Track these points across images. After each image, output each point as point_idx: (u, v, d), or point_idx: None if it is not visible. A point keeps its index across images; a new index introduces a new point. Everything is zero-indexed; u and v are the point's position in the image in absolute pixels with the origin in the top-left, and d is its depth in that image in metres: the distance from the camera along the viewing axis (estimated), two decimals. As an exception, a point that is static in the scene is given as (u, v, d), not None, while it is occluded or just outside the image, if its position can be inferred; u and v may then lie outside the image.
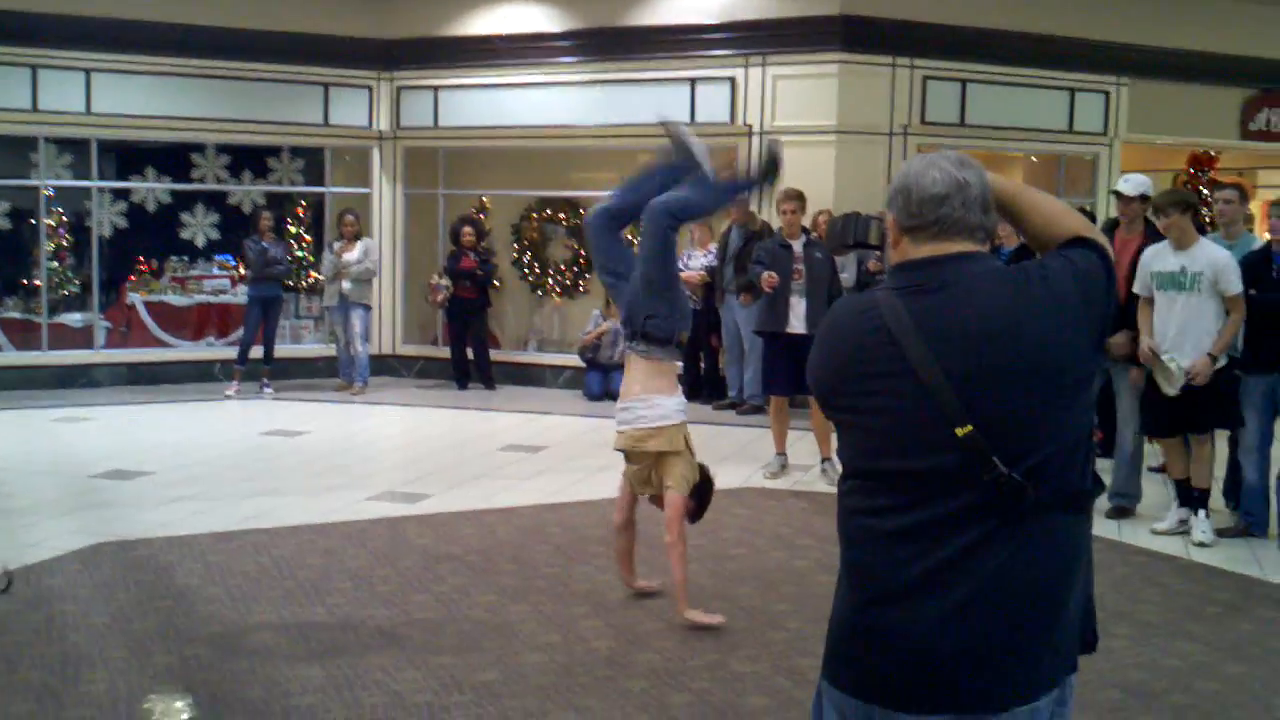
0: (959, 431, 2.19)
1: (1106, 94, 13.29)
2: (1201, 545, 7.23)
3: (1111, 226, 8.33)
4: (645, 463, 5.77)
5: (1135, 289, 7.53)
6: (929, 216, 2.33)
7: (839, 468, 8.70)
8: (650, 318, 5.69)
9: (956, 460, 2.21)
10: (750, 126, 12.41)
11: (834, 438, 8.94)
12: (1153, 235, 7.77)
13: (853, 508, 2.37)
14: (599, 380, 12.78)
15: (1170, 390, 7.16)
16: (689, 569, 5.73)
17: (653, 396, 5.70)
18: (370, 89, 14.11)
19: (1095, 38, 12.94)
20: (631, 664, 5.19)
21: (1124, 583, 6.52)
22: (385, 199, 14.34)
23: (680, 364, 5.91)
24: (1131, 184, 8.05)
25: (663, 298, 5.71)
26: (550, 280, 14.36)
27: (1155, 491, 8.24)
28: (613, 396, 12.62)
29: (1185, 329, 7.18)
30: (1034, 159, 14.54)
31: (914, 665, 2.25)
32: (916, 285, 2.31)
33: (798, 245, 9.08)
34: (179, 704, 4.62)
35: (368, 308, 13.15)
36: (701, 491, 5.82)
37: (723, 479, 8.86)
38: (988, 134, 13.01)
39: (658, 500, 5.82)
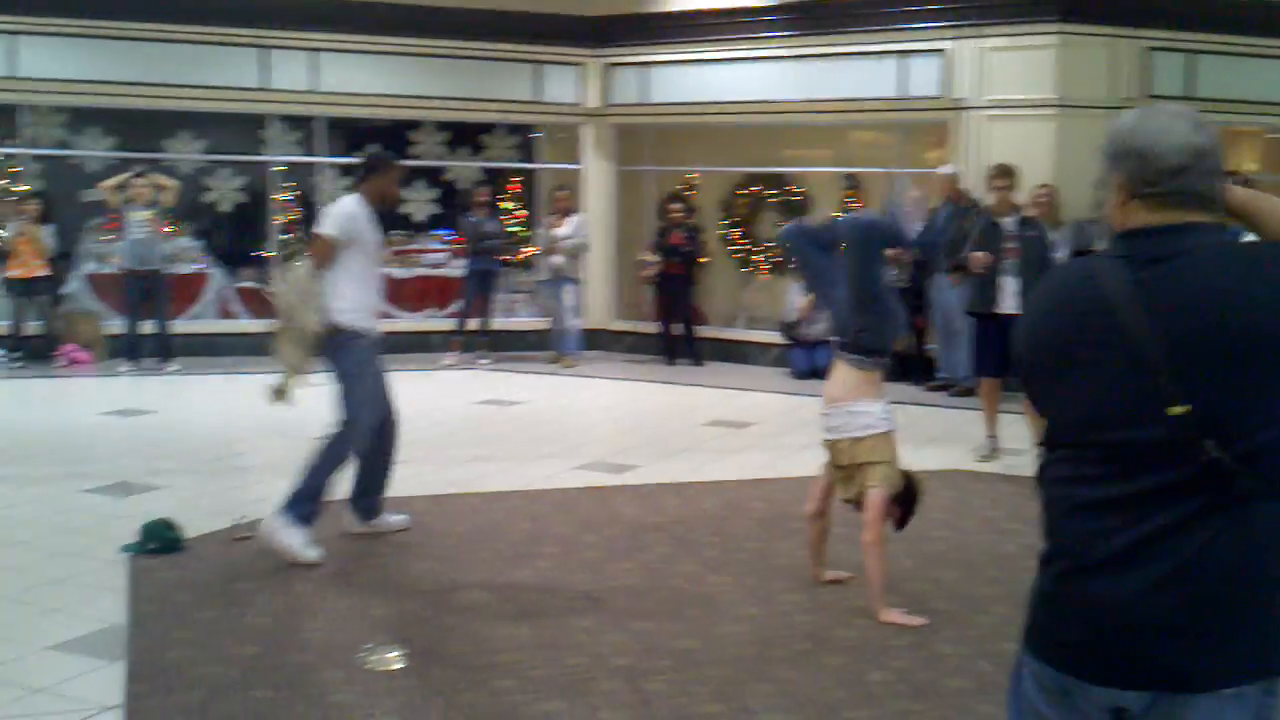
0: (1172, 410, 2.11)
1: (1357, 62, 12.52)
2: None
3: None
4: (849, 469, 5.68)
5: None
6: (1165, 186, 2.23)
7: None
8: (862, 331, 5.61)
9: (1167, 437, 2.13)
10: (961, 101, 12.14)
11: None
12: None
13: (1055, 477, 2.31)
14: (804, 357, 12.73)
15: None
16: (887, 567, 5.55)
17: (858, 403, 5.59)
18: (580, 66, 14.33)
19: (1337, 2, 12.21)
20: (831, 639, 5.19)
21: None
22: (595, 175, 14.57)
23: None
24: None
25: (873, 309, 5.61)
26: (758, 256, 14.36)
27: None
28: (818, 374, 12.61)
29: None
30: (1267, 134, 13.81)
31: (1111, 637, 2.19)
32: (1143, 254, 2.22)
33: (1010, 222, 8.85)
34: (392, 653, 4.89)
35: (578, 282, 13.41)
36: (907, 498, 5.65)
37: (930, 460, 8.78)
38: (1219, 107, 12.32)
39: (858, 504, 5.68)
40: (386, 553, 6.31)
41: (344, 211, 6.35)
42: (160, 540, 6.15)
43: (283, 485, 7.57)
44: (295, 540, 6.03)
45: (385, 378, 6.59)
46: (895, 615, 5.43)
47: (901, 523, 5.71)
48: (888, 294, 5.82)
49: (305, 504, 6.13)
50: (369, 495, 6.59)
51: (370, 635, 5.09)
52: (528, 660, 4.84)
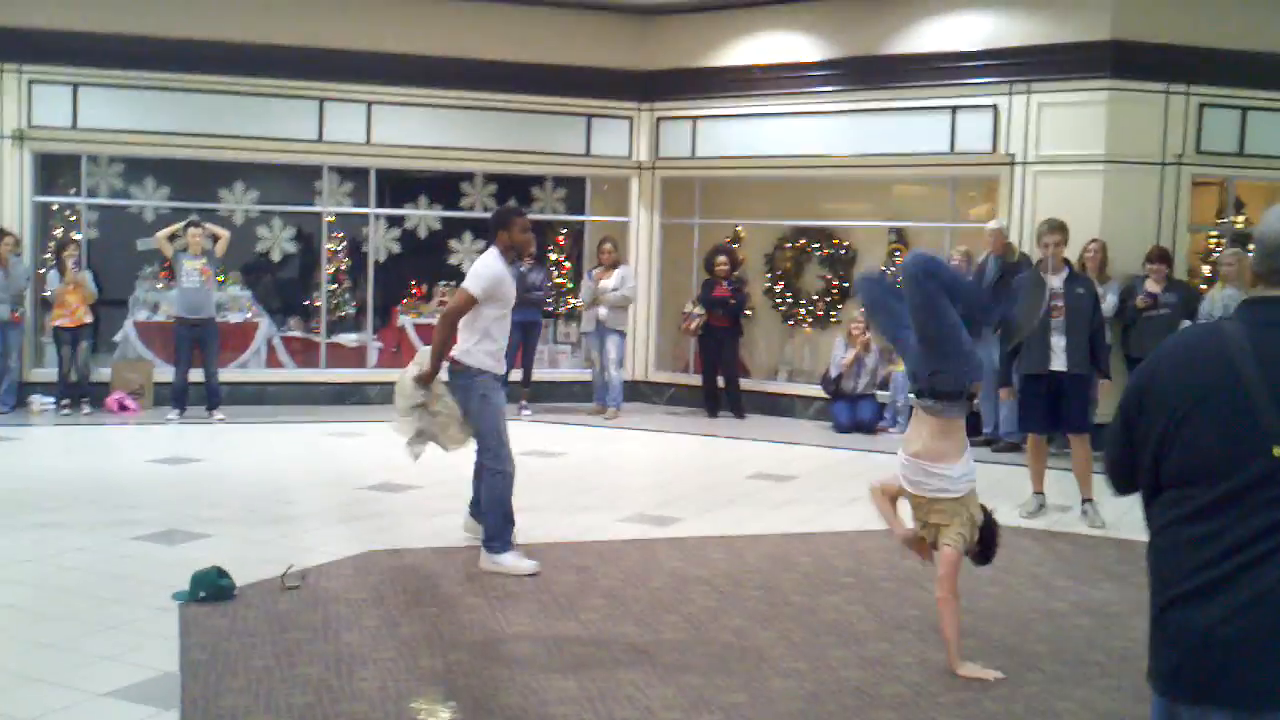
0: (1277, 451, 2.47)
1: (1402, 120, 12.44)
2: None
3: None
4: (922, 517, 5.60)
5: None
6: (1278, 264, 2.64)
7: (1101, 510, 8.41)
8: (936, 373, 5.45)
9: (1270, 475, 2.49)
10: (1013, 156, 12.15)
11: (1095, 479, 8.68)
12: None
13: (1163, 516, 2.66)
14: (846, 411, 12.72)
15: None
16: (959, 621, 5.50)
17: (939, 464, 5.44)
18: (631, 120, 14.47)
19: (1389, 58, 12.15)
20: (880, 696, 5.15)
21: None
22: (642, 227, 14.66)
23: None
24: None
25: (944, 350, 5.45)
26: (802, 310, 14.37)
27: None
28: (860, 428, 12.63)
29: None
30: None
31: (1202, 656, 2.51)
32: (1263, 319, 2.62)
33: (1058, 280, 8.76)
34: (443, 707, 4.89)
35: (623, 334, 13.46)
36: (987, 536, 5.56)
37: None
38: (1270, 163, 12.36)
39: (922, 550, 5.65)
40: (435, 604, 6.32)
41: (490, 274, 6.91)
42: (211, 588, 6.19)
43: (329, 534, 7.68)
44: (508, 561, 6.91)
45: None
46: (971, 669, 5.40)
47: (982, 558, 5.65)
48: (958, 332, 5.49)
49: (497, 534, 7.00)
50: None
51: (421, 686, 5.10)
52: (577, 713, 4.83)
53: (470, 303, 6.84)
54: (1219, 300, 10.87)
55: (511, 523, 7.06)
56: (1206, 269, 13.14)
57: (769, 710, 4.94)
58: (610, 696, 5.03)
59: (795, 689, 5.20)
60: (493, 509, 7.00)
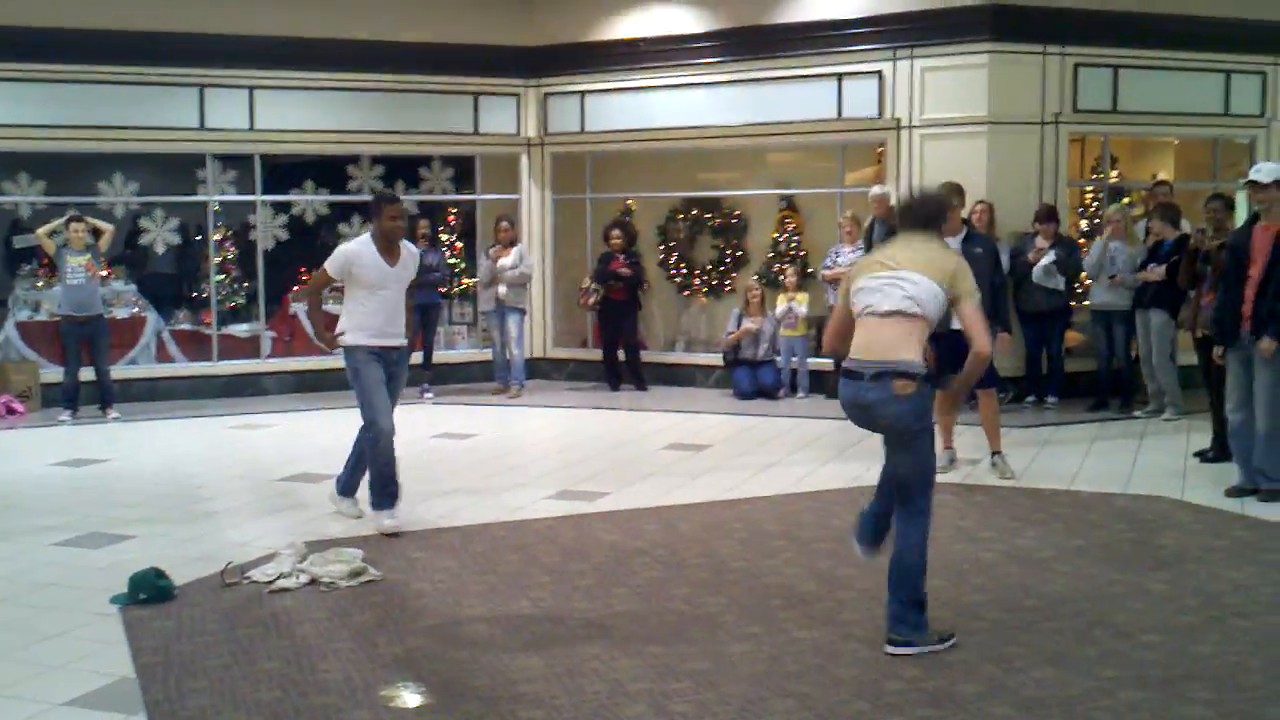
0: None
1: (1264, 75, 13.02)
2: None
3: (1253, 219, 8.22)
4: None
5: None
6: None
7: (1009, 461, 8.75)
8: None
9: None
10: (899, 120, 12.41)
11: (1003, 431, 8.97)
12: None
13: None
14: (748, 378, 12.90)
15: None
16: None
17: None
18: (518, 96, 14.42)
19: (1251, 17, 12.69)
20: (839, 653, 5.29)
21: (1323, 570, 6.46)
22: (534, 205, 14.63)
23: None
24: (1266, 171, 8.03)
25: None
26: (697, 280, 14.51)
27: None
28: (763, 394, 12.81)
29: None
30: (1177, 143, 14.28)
31: None
32: None
33: (955, 242, 8.95)
34: (414, 692, 4.90)
35: (523, 312, 13.44)
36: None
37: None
38: (1141, 120, 12.85)
39: None
40: (380, 592, 6.29)
41: (342, 253, 7.56)
42: (151, 590, 6.07)
43: (257, 528, 7.58)
44: (344, 506, 7.88)
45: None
46: None
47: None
48: None
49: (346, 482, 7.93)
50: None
51: (386, 674, 5.09)
52: (548, 690, 4.87)
53: (323, 278, 7.63)
54: (1105, 251, 11.27)
55: (385, 483, 7.52)
56: (1085, 224, 13.61)
57: (734, 674, 5.04)
58: (577, 672, 5.08)
59: (755, 652, 5.31)
60: (369, 465, 7.58)
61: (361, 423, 7.51)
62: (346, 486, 7.85)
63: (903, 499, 5.38)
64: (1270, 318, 7.82)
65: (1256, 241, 7.97)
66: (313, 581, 6.35)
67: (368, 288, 7.43)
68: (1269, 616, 5.73)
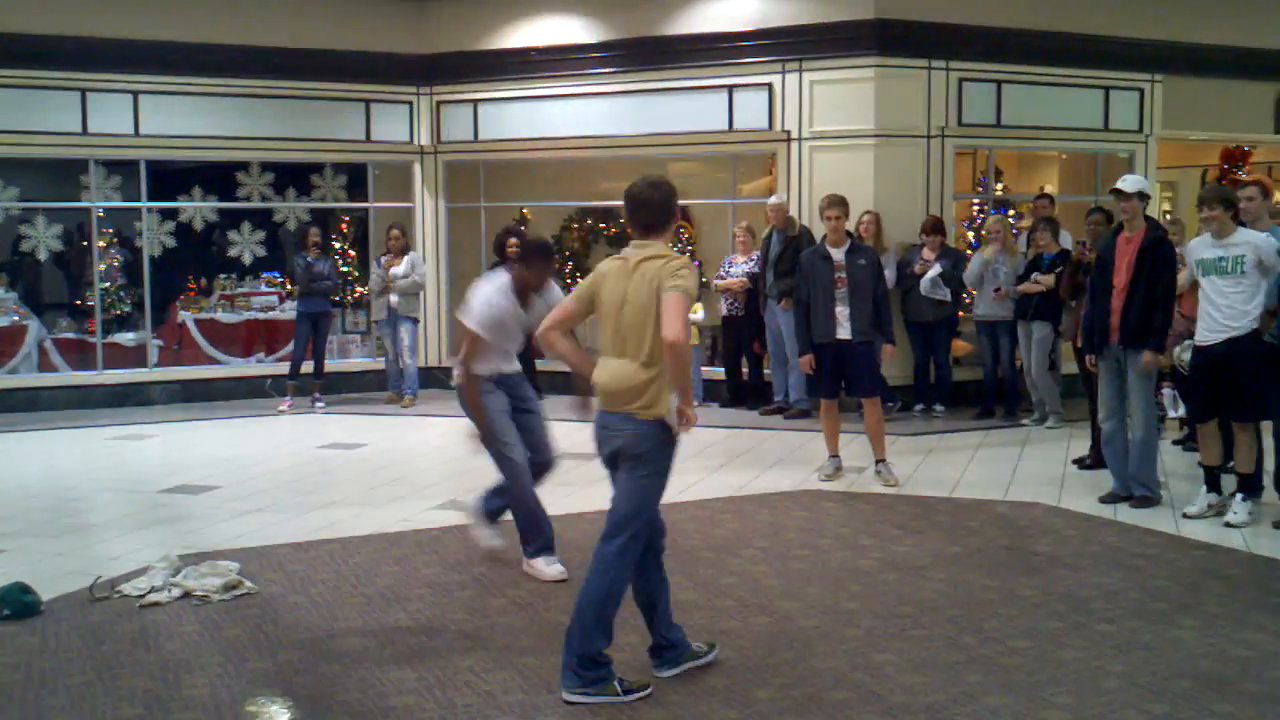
0: None
1: (1141, 91, 13.39)
2: (1230, 525, 7.64)
3: (1116, 230, 8.44)
4: None
5: (1181, 279, 8.21)
6: None
7: (894, 469, 8.88)
8: None
9: None
10: (789, 132, 12.55)
11: (887, 440, 9.11)
12: (1154, 232, 8.13)
13: None
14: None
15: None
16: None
17: None
18: (411, 104, 14.33)
19: (1129, 35, 13.05)
20: (718, 661, 5.32)
21: (1185, 574, 6.63)
22: (428, 213, 14.55)
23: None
24: (1130, 181, 8.30)
25: None
26: (592, 289, 14.48)
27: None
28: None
29: (1229, 310, 7.59)
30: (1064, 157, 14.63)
31: None
32: None
33: (839, 253, 9.05)
34: (281, 708, 4.83)
35: (415, 321, 13.35)
36: None
37: (778, 482, 9.05)
38: (1024, 134, 13.13)
39: None
40: (255, 605, 6.20)
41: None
42: (15, 605, 5.93)
43: (133, 541, 7.43)
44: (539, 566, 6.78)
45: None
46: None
47: None
48: None
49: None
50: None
51: (253, 689, 5.02)
52: (418, 703, 4.84)
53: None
54: (986, 263, 11.49)
55: (535, 522, 6.89)
56: (971, 235, 13.87)
57: (607, 684, 5.04)
58: (449, 684, 5.05)
59: (629, 661, 5.32)
60: (515, 507, 6.98)
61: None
62: (533, 544, 6.98)
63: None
64: (1144, 329, 8.01)
65: (1119, 252, 8.19)
66: (186, 595, 6.25)
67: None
68: (1132, 621, 5.88)
